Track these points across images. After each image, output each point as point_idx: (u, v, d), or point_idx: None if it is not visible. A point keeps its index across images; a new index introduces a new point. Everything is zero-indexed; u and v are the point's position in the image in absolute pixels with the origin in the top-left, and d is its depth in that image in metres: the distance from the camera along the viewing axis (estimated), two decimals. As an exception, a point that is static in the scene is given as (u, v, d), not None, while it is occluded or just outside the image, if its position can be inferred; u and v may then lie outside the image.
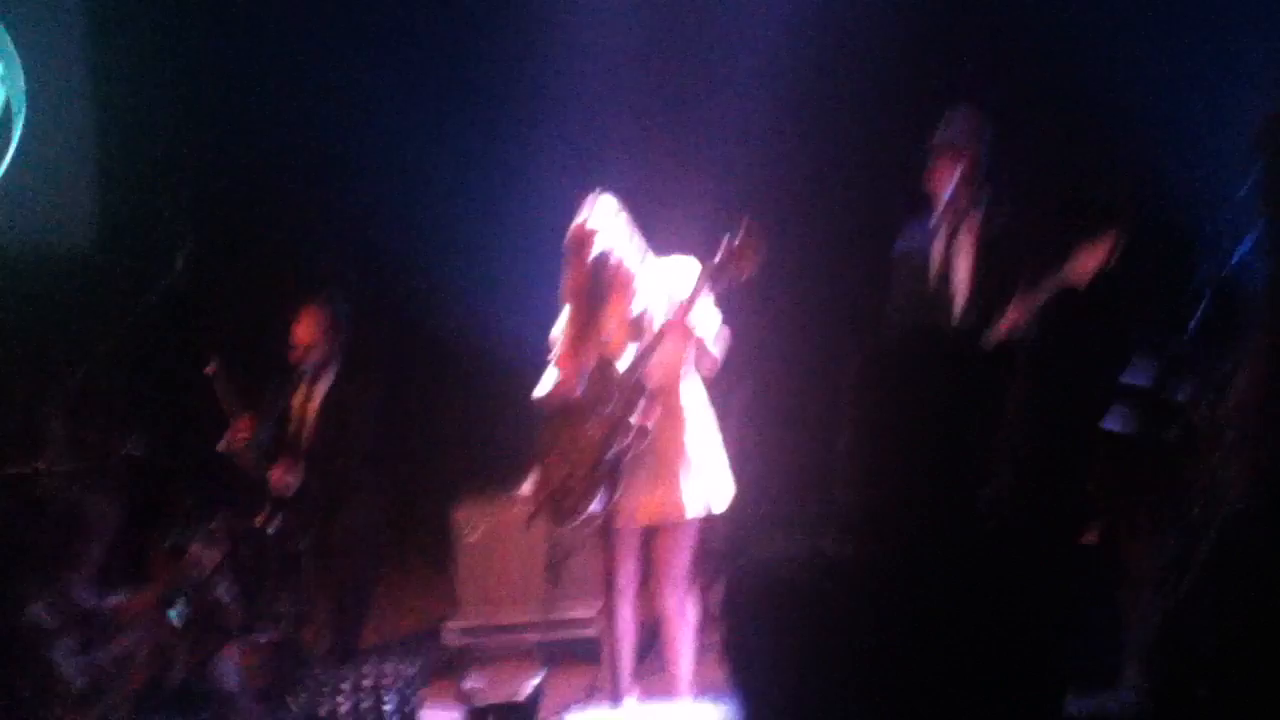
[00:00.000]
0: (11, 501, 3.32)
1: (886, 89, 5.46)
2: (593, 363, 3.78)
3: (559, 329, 3.89)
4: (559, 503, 3.79)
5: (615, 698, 3.74)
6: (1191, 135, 4.26)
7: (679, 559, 3.80)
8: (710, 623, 4.82)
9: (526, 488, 3.92)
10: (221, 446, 4.61)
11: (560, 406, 3.83)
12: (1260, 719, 1.31)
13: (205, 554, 2.68)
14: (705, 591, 5.10)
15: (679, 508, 3.72)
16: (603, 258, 3.65)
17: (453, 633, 4.90)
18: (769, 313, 4.45)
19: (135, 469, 4.36)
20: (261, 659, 4.04)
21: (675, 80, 5.98)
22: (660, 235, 3.91)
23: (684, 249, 3.85)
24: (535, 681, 4.16)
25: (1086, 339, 4.28)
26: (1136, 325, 4.38)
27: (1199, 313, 3.57)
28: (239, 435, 4.60)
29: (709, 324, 3.67)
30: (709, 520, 3.84)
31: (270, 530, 4.17)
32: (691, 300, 3.53)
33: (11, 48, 6.04)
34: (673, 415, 3.75)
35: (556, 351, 3.89)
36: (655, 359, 3.64)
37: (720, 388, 4.06)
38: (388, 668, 3.30)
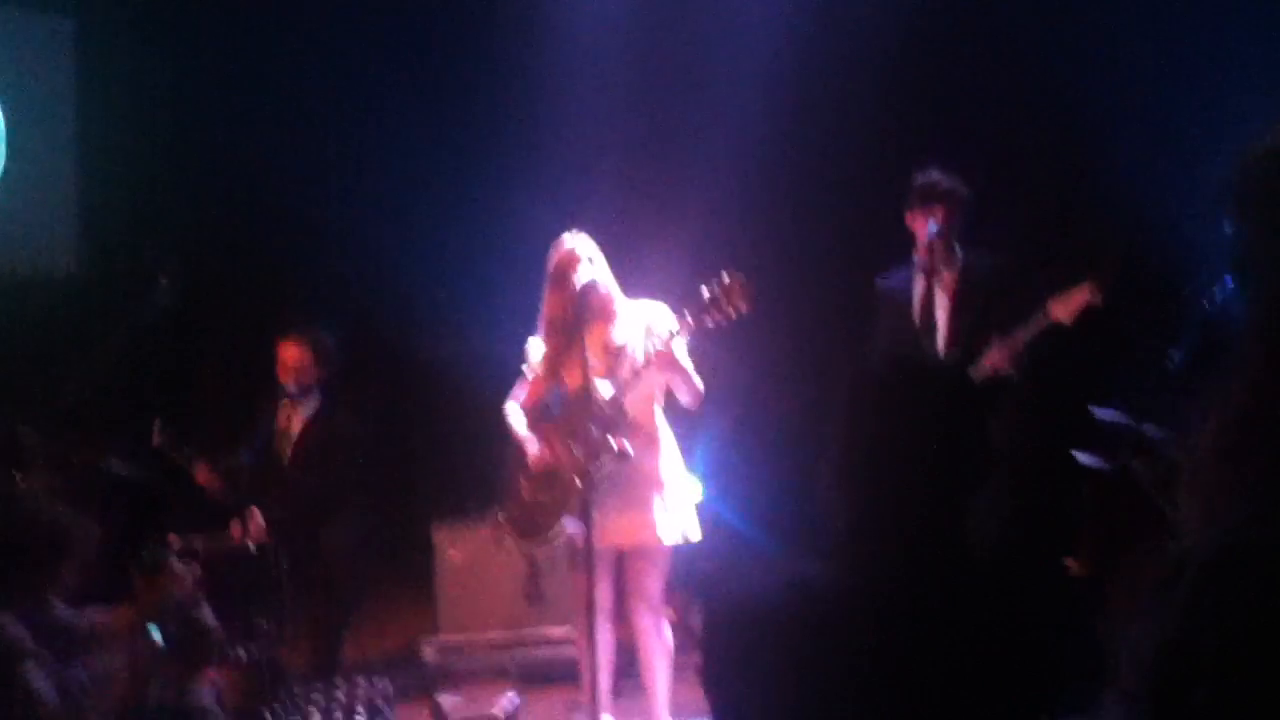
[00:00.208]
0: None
1: (869, 127, 5.54)
2: (571, 386, 3.81)
3: (535, 351, 3.91)
4: (532, 520, 3.80)
5: (593, 718, 3.74)
6: (1173, 175, 4.32)
7: (652, 582, 3.81)
8: (690, 644, 4.84)
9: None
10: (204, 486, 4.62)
11: (534, 427, 3.85)
12: None
13: (186, 570, 2.67)
14: (685, 613, 5.12)
15: (652, 532, 3.74)
16: (589, 285, 3.68)
17: (431, 650, 4.89)
18: (754, 342, 4.49)
19: (116, 487, 4.36)
20: (240, 677, 4.03)
21: (657, 120, 6.05)
22: (634, 276, 3.95)
23: (654, 292, 3.91)
24: (513, 701, 4.16)
25: (1067, 378, 4.33)
26: (1116, 363, 4.44)
27: (1181, 350, 3.62)
28: (202, 480, 4.60)
29: (688, 358, 3.70)
30: (681, 546, 3.87)
31: (251, 548, 4.16)
32: (682, 331, 3.56)
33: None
34: (649, 442, 3.78)
35: (532, 373, 3.92)
36: (639, 387, 3.67)
37: (705, 417, 4.09)
38: (363, 684, 3.29)
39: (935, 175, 4.16)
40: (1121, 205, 4.69)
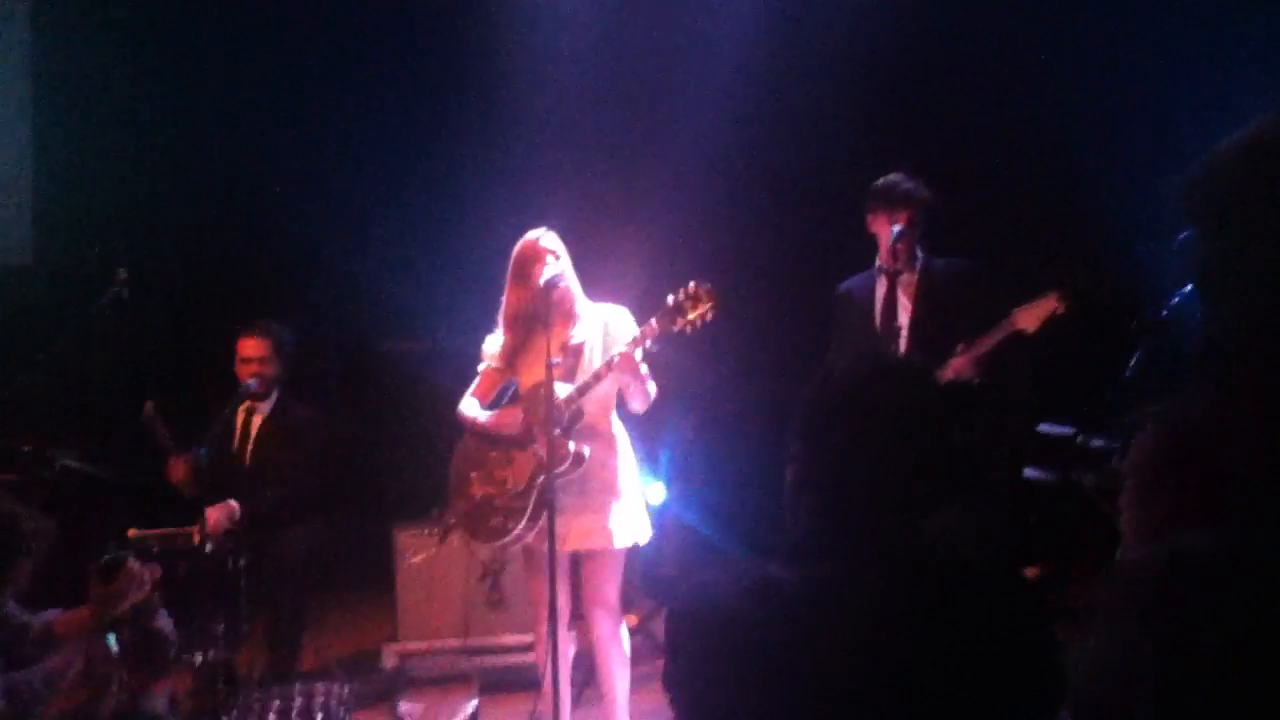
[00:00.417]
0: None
1: (833, 132, 5.58)
2: (526, 383, 3.80)
3: (493, 346, 3.90)
4: (483, 521, 3.78)
5: (553, 725, 3.73)
6: (1134, 185, 4.39)
7: (608, 586, 3.80)
8: (652, 651, 4.83)
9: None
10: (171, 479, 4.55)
11: (486, 424, 3.83)
12: None
13: (144, 570, 2.63)
14: (647, 620, 5.12)
15: (607, 536, 3.73)
16: (552, 280, 3.67)
17: (391, 657, 4.85)
18: (716, 345, 4.51)
19: (70, 481, 4.29)
20: (194, 681, 3.97)
21: (622, 123, 6.08)
22: (594, 278, 3.96)
23: (614, 295, 3.92)
24: (472, 707, 4.13)
25: (1024, 387, 4.38)
26: (1069, 374, 4.49)
27: (1134, 360, 3.67)
28: (176, 473, 4.54)
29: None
30: (643, 551, 3.86)
31: (207, 549, 4.10)
32: (645, 337, 3.55)
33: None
34: (605, 446, 3.78)
35: (488, 368, 3.90)
36: (599, 390, 3.67)
37: (668, 421, 4.09)
38: (320, 689, 3.25)
39: (897, 178, 4.20)
40: (1084, 213, 4.75)
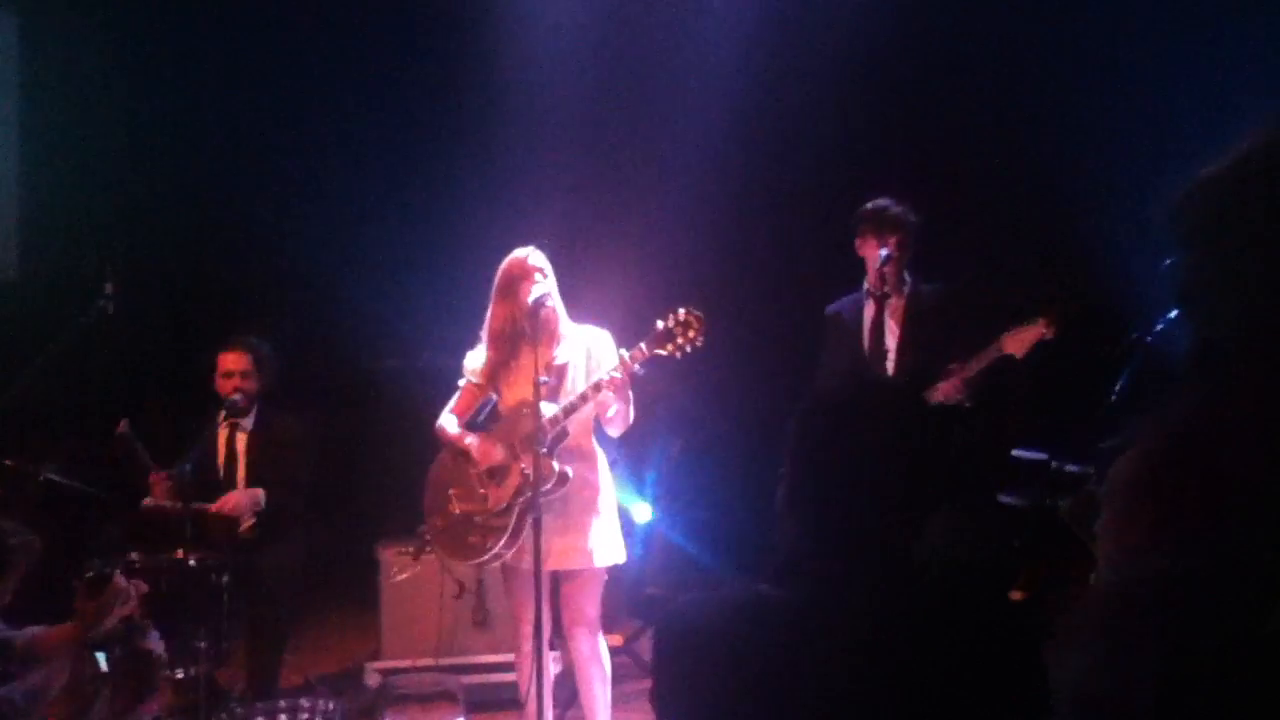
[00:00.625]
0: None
1: (821, 155, 5.62)
2: (510, 401, 3.81)
3: (475, 361, 3.90)
4: (461, 538, 3.78)
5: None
6: (1119, 210, 4.43)
7: (589, 604, 3.80)
8: (637, 671, 4.83)
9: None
10: (147, 504, 4.54)
11: (464, 445, 3.83)
12: None
13: (130, 585, 2.62)
14: (632, 640, 5.12)
15: (588, 555, 3.73)
16: (540, 299, 3.68)
17: (373, 674, 4.83)
18: (703, 366, 4.53)
19: (54, 496, 4.26)
20: (177, 697, 3.95)
21: (611, 144, 6.11)
22: (577, 300, 3.98)
23: (596, 317, 3.94)
24: (460, 725, 4.12)
25: (1011, 411, 4.40)
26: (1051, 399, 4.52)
27: (1118, 385, 3.69)
28: (157, 490, 4.53)
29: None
30: (629, 571, 3.86)
31: (192, 563, 4.08)
32: (635, 360, 3.57)
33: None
34: (586, 465, 3.79)
35: (469, 383, 3.90)
36: (584, 411, 3.68)
37: (654, 440, 4.10)
38: (306, 703, 3.24)
39: (885, 202, 4.23)
40: (1070, 238, 4.79)
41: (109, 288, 4.71)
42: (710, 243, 5.83)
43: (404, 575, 4.86)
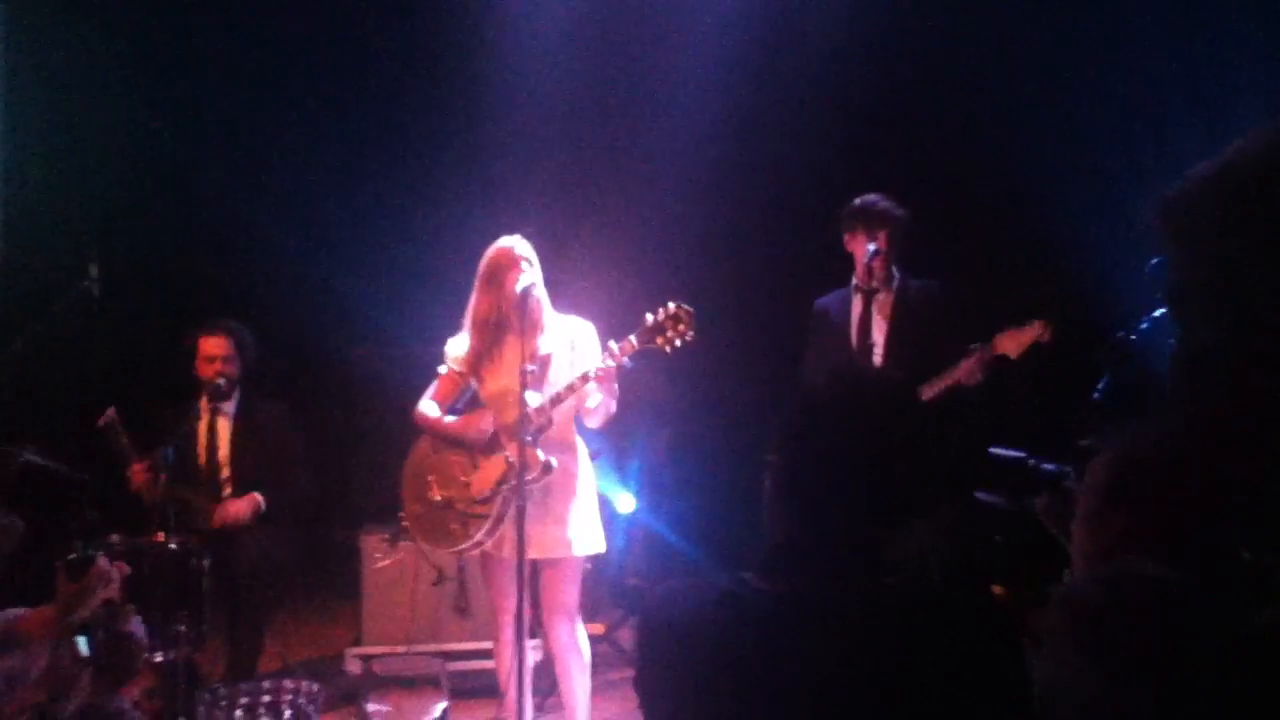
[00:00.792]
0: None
1: (810, 150, 5.63)
2: (491, 389, 3.80)
3: (456, 349, 3.89)
4: (440, 525, 3.78)
5: (516, 730, 3.73)
6: (1107, 211, 4.46)
7: (568, 593, 3.81)
8: (618, 660, 4.84)
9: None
10: (135, 488, 4.53)
11: (449, 428, 3.83)
12: None
13: (113, 568, 2.61)
14: (614, 629, 5.13)
15: (567, 544, 3.75)
16: (527, 288, 3.68)
17: (356, 660, 4.83)
18: (690, 359, 4.55)
19: (34, 478, 4.23)
20: (156, 680, 3.94)
21: (596, 136, 6.11)
22: (567, 290, 3.98)
23: (586, 307, 3.95)
24: (441, 709, 4.12)
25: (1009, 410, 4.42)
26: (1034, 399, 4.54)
27: (1101, 384, 3.72)
28: (139, 478, 4.51)
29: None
30: (612, 561, 3.87)
31: (172, 547, 4.07)
32: (624, 353, 3.57)
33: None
34: (569, 455, 3.80)
35: (450, 371, 3.89)
36: (569, 401, 3.68)
37: (639, 431, 4.10)
38: (289, 685, 3.23)
39: (874, 198, 4.25)
40: (1056, 236, 4.82)
41: (94, 270, 4.68)
42: (697, 235, 5.84)
43: (385, 562, 4.86)
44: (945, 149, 5.38)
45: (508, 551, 3.65)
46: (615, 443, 4.86)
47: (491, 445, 3.75)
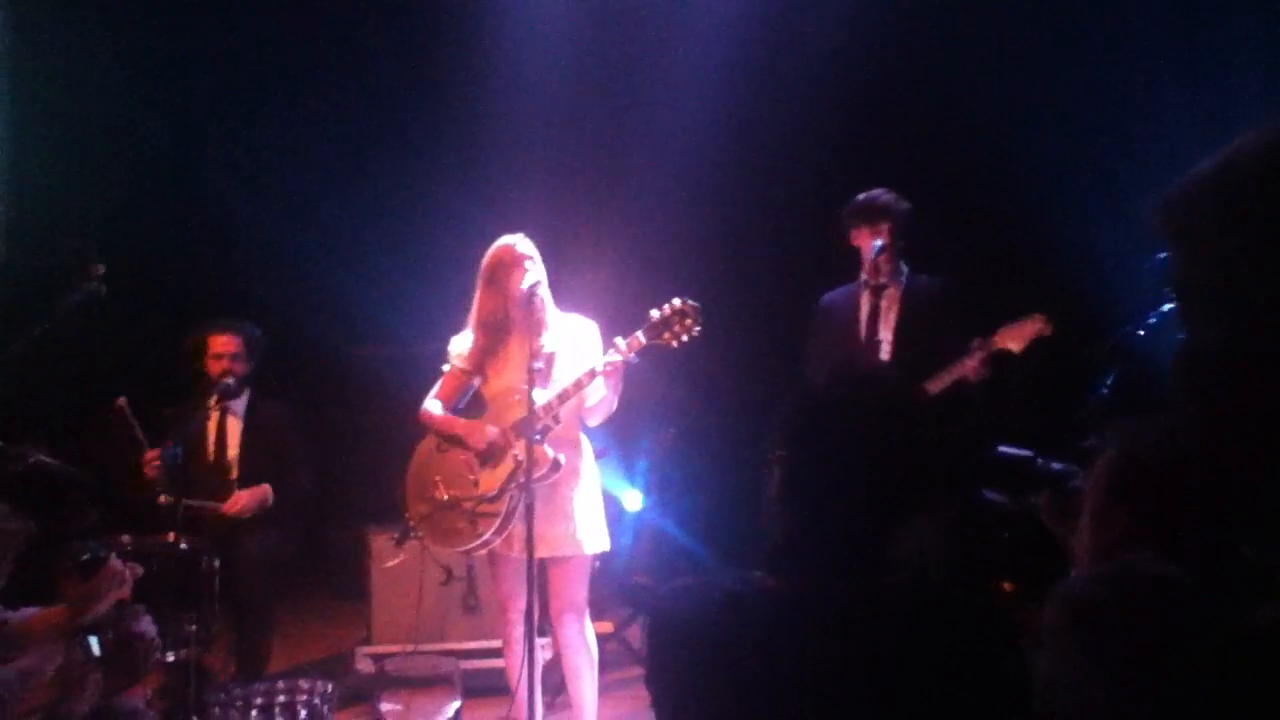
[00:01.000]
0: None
1: (815, 146, 5.63)
2: (495, 387, 3.81)
3: (460, 346, 3.89)
4: (449, 524, 3.78)
5: (527, 729, 3.73)
6: (1112, 206, 4.46)
7: (578, 591, 3.82)
8: (626, 659, 4.85)
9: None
10: (148, 473, 4.54)
11: (456, 428, 3.83)
12: None
13: (125, 568, 2.62)
14: (622, 627, 5.14)
15: (576, 542, 3.75)
16: (532, 287, 3.69)
17: (363, 659, 4.84)
18: (695, 356, 4.55)
19: (42, 477, 4.25)
20: (166, 680, 3.96)
21: (598, 132, 6.10)
22: (570, 288, 3.99)
23: (589, 304, 3.96)
24: (454, 708, 4.13)
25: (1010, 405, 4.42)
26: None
27: (1108, 380, 3.71)
28: (148, 469, 4.53)
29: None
30: (620, 560, 3.88)
31: (182, 547, 4.09)
32: (631, 349, 3.58)
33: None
34: (575, 453, 3.80)
35: (454, 369, 3.89)
36: (577, 398, 3.69)
37: (646, 429, 4.10)
38: (304, 685, 3.25)
39: (878, 193, 4.25)
40: (1059, 233, 4.81)
41: (98, 269, 4.69)
42: (700, 233, 5.84)
43: (394, 561, 4.87)
44: (951, 141, 5.37)
45: (517, 550, 3.65)
46: (622, 441, 4.87)
47: (499, 443, 3.75)
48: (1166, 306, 3.55)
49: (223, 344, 4.79)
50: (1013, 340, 3.93)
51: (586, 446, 3.89)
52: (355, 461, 6.13)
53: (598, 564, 4.11)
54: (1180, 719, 1.02)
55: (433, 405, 3.91)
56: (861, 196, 4.27)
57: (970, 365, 3.97)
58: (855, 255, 4.32)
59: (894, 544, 1.64)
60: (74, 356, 5.28)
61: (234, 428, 4.87)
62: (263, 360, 4.93)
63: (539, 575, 3.79)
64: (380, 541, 4.94)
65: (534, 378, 3.54)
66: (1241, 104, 4.47)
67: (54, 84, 6.07)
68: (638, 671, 4.64)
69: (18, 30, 6.13)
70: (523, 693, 3.64)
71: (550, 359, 3.76)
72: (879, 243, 4.16)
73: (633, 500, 5.20)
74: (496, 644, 4.38)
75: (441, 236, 5.53)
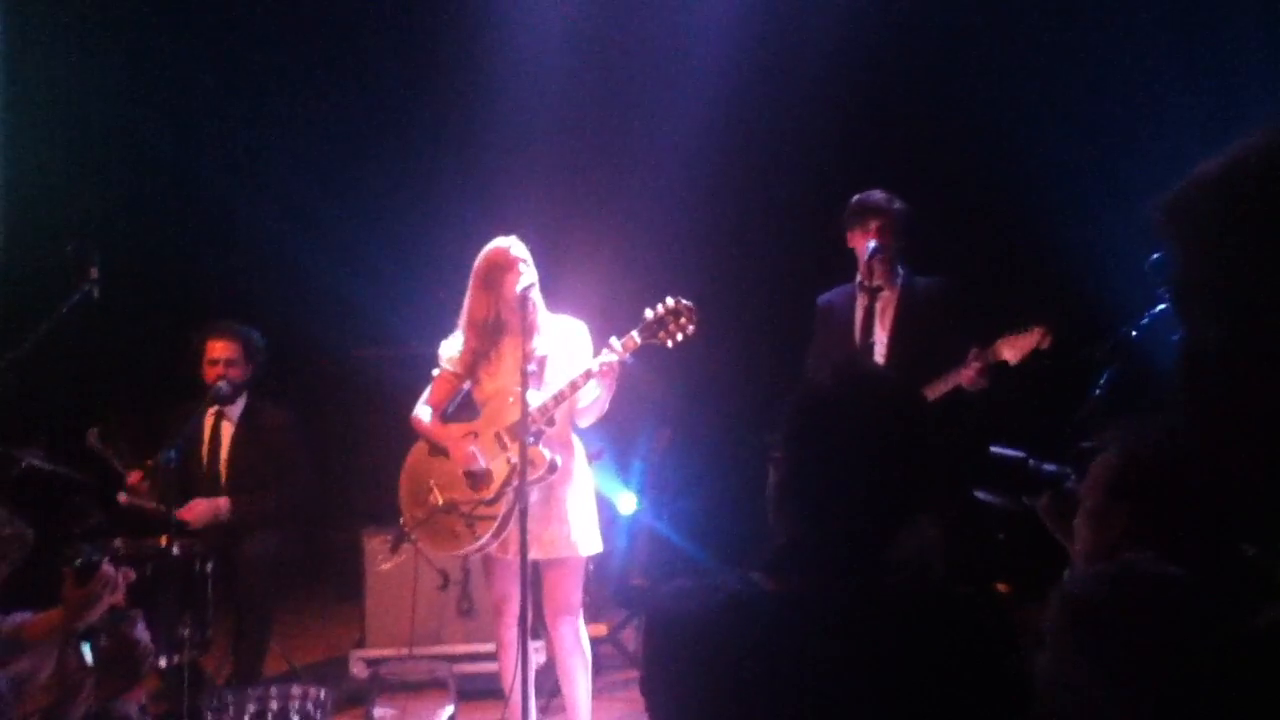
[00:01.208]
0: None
1: (813, 148, 5.63)
2: (488, 390, 3.80)
3: (451, 350, 3.88)
4: (445, 527, 3.77)
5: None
6: (1110, 208, 4.46)
7: (573, 593, 3.82)
8: (621, 662, 4.84)
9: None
10: (123, 500, 4.53)
11: (444, 441, 3.82)
12: None
13: (119, 574, 2.61)
14: (616, 630, 5.13)
15: (572, 544, 3.75)
16: (525, 290, 3.68)
17: (358, 663, 4.83)
18: (691, 358, 4.56)
19: (38, 481, 4.25)
20: (161, 684, 3.95)
21: (593, 133, 6.10)
22: (567, 289, 3.99)
23: (587, 305, 3.96)
24: (448, 714, 4.12)
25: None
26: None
27: (1103, 380, 3.71)
28: (135, 487, 4.52)
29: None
30: (615, 562, 3.87)
31: (175, 551, 4.07)
32: (627, 349, 3.58)
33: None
34: (569, 454, 3.80)
35: (445, 372, 3.88)
36: (572, 399, 3.68)
37: (641, 430, 4.10)
38: (297, 690, 3.24)
39: (875, 194, 4.24)
40: (1059, 234, 4.81)
41: (93, 273, 4.68)
42: (697, 233, 5.84)
43: (389, 564, 4.86)
44: (950, 142, 5.37)
45: (512, 552, 3.65)
46: (617, 443, 4.86)
47: (494, 445, 3.75)
48: (1160, 307, 3.55)
49: (219, 349, 4.78)
50: (1010, 351, 3.92)
51: (579, 447, 3.89)
52: (352, 463, 6.12)
53: (591, 566, 4.10)
54: (1180, 719, 1.02)
55: (423, 411, 3.90)
56: (857, 198, 4.27)
57: (967, 375, 3.96)
58: (854, 256, 4.31)
59: (894, 544, 1.64)
60: (74, 357, 5.27)
61: (228, 433, 4.86)
62: (264, 364, 4.91)
63: (533, 578, 3.79)
64: (375, 544, 4.92)
65: (528, 380, 3.54)
66: (1244, 105, 4.48)
67: (53, 86, 6.06)
68: (632, 674, 4.64)
69: (17, 32, 6.12)
70: (517, 696, 3.64)
71: (542, 362, 3.75)
72: (873, 245, 4.15)
73: (627, 503, 5.19)
74: (491, 647, 4.37)
75: (439, 238, 5.52)
